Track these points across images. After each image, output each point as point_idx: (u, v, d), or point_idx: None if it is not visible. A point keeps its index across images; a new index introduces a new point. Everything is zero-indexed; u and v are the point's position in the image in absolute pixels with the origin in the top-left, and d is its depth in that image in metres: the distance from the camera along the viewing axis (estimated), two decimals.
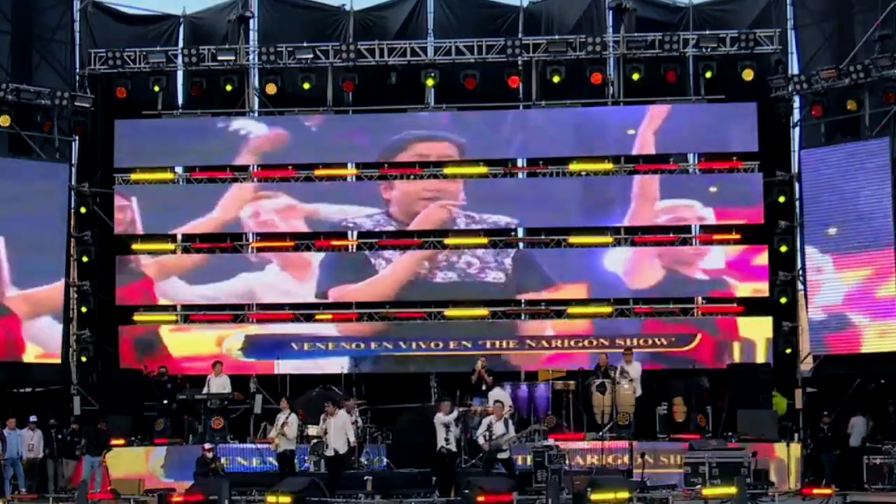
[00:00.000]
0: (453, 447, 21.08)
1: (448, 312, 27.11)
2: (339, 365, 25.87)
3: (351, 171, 27.89)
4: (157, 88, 27.64)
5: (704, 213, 26.89)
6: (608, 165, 27.37)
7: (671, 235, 27.15)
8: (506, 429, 21.06)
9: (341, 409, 21.55)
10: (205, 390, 24.28)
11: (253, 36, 28.27)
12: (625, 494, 19.63)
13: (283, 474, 21.58)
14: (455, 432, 21.12)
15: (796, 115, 27.04)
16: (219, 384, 24.42)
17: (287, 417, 21.95)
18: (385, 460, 23.00)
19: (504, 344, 26.89)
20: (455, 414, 21.25)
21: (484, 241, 27.24)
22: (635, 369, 24.16)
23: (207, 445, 22.44)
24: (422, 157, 27.47)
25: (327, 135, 27.62)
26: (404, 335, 27.05)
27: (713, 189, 26.86)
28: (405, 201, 27.40)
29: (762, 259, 26.60)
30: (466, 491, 20.11)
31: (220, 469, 22.22)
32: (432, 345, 27.00)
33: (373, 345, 27.01)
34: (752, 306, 26.61)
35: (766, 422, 23.88)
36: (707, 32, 27.05)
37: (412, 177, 27.39)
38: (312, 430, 22.68)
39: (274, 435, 22.06)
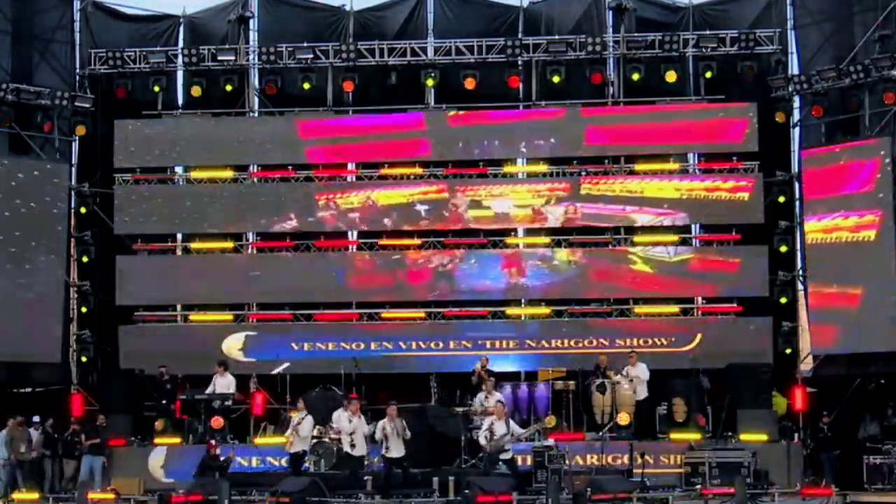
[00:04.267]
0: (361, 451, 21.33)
1: (448, 312, 27.15)
2: (339, 365, 25.84)
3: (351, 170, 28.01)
4: (157, 88, 27.64)
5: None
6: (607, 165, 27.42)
7: (672, 236, 27.15)
8: (507, 429, 21.07)
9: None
10: (209, 389, 24.26)
11: (253, 36, 28.27)
12: (625, 494, 19.64)
13: (295, 473, 21.67)
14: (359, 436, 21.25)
15: (796, 115, 27.04)
16: (224, 384, 24.41)
17: (303, 418, 22.10)
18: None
19: (504, 344, 26.90)
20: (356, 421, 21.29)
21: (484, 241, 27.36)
22: (640, 371, 24.13)
23: (213, 441, 22.47)
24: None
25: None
26: (404, 335, 27.06)
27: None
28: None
29: (762, 259, 26.60)
30: (466, 491, 20.12)
31: (228, 462, 22.24)
32: (432, 345, 27.00)
33: (373, 345, 27.02)
34: (752, 306, 26.62)
35: (766, 422, 23.88)
36: (707, 32, 27.05)
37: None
38: (314, 431, 22.77)
39: (289, 434, 22.19)
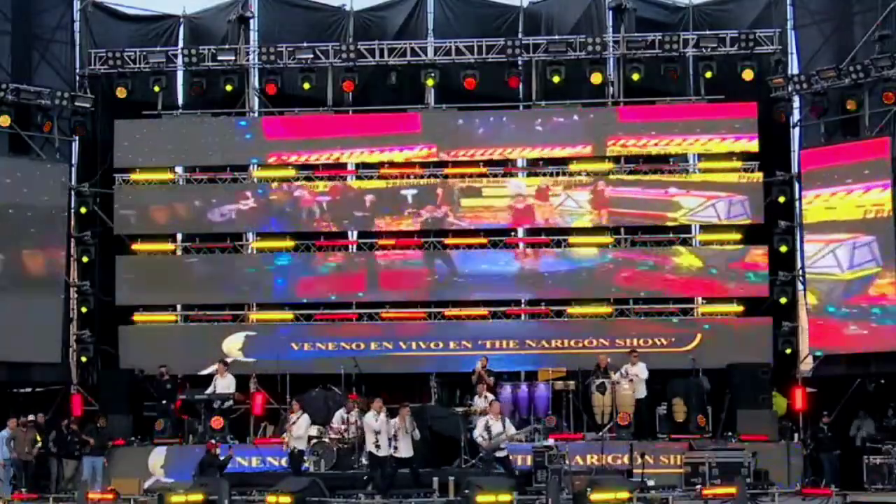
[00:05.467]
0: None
1: (448, 312, 27.15)
2: (339, 365, 25.84)
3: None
4: (157, 88, 27.62)
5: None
6: (608, 165, 27.36)
7: (671, 235, 27.15)
8: (503, 428, 21.07)
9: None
10: (209, 390, 24.28)
11: (253, 36, 28.27)
12: (625, 494, 19.65)
13: (295, 473, 21.71)
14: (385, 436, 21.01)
15: (796, 115, 27.04)
16: (224, 384, 24.42)
17: (298, 418, 22.16)
18: None
19: (504, 344, 26.88)
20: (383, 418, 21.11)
21: (483, 241, 27.31)
22: (640, 370, 24.15)
23: (213, 441, 22.49)
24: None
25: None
26: (404, 335, 27.06)
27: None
28: None
29: (762, 259, 26.60)
30: (466, 491, 20.12)
31: (228, 461, 22.26)
32: (432, 345, 27.00)
33: (373, 345, 27.01)
34: (752, 306, 26.63)
35: (766, 422, 23.88)
36: (707, 32, 27.06)
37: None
38: (313, 430, 22.79)
39: (284, 434, 22.31)
